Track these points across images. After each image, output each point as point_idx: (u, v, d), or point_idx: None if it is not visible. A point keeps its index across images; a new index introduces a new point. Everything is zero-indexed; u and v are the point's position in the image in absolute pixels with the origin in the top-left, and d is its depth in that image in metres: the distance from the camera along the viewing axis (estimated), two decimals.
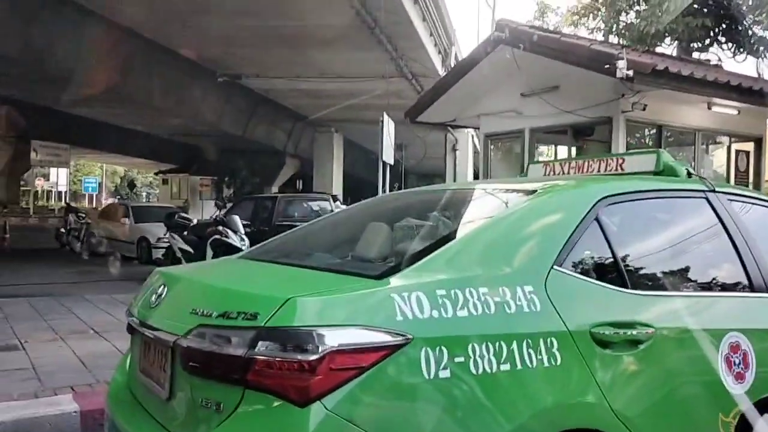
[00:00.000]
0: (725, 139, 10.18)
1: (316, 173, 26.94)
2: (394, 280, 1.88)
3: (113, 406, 2.44)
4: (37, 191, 45.95)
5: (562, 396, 1.92)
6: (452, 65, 15.92)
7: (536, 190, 2.40)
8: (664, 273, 2.48)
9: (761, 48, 12.80)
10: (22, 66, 14.74)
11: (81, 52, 14.36)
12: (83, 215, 18.27)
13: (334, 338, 1.68)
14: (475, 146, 20.42)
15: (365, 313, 1.76)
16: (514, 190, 2.60)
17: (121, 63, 15.81)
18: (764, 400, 2.32)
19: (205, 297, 2.08)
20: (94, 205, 34.25)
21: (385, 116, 11.24)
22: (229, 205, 18.54)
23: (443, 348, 1.76)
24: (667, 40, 12.94)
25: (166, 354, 2.02)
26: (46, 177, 50.53)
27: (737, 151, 10.12)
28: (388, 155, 11.40)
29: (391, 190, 12.28)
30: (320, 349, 1.66)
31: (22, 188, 38.91)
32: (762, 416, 2.29)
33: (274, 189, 27.87)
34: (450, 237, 2.19)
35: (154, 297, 2.26)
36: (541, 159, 8.79)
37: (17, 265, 13.64)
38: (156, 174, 40.98)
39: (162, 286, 2.27)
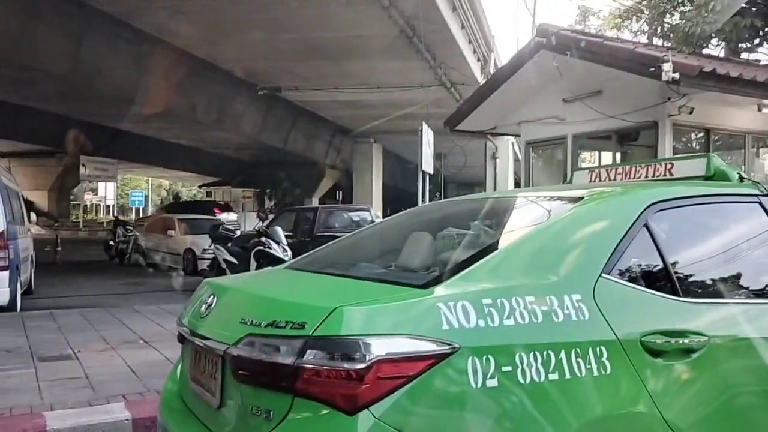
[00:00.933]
0: None
1: (355, 184, 27.11)
2: (440, 290, 1.88)
3: (165, 414, 2.49)
4: (86, 205, 47.43)
5: (612, 406, 1.89)
6: (491, 72, 15.84)
7: (582, 197, 2.37)
8: (717, 280, 2.41)
9: None
10: (71, 84, 15.24)
11: (128, 70, 14.80)
12: (131, 228, 18.76)
13: (381, 347, 1.69)
14: (515, 154, 20.23)
15: (411, 322, 1.77)
16: (559, 198, 2.57)
17: (174, 81, 16.22)
18: None
19: (253, 307, 2.11)
20: (141, 217, 35.05)
21: (424, 125, 11.27)
22: (270, 216, 18.77)
23: (490, 357, 1.75)
24: (714, 41, 12.63)
25: (217, 363, 2.06)
26: (95, 191, 52.08)
27: None
28: (428, 164, 11.41)
29: (431, 200, 12.28)
30: (367, 358, 1.67)
31: (71, 202, 40.21)
32: None
33: (315, 200, 28.15)
34: (495, 246, 2.18)
35: (204, 307, 2.31)
36: (584, 165, 8.67)
37: (69, 277, 14.06)
38: (200, 187, 41.83)
39: (211, 297, 2.31)
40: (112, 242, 18.63)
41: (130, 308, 8.75)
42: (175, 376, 2.62)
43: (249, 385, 1.88)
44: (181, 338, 2.46)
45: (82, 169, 31.04)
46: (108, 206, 52.65)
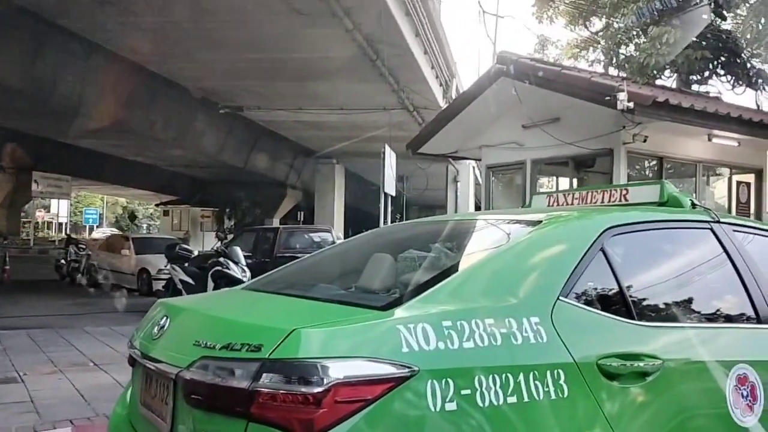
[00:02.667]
0: (726, 171, 10.21)
1: (317, 205, 27.00)
2: (400, 311, 1.87)
3: None
4: (37, 223, 46.05)
5: (569, 429, 1.89)
6: (453, 97, 16.07)
7: (541, 221, 2.39)
8: (671, 304, 2.46)
9: (760, 81, 12.91)
10: (25, 99, 14.87)
11: (84, 85, 14.52)
12: (83, 247, 18.27)
13: (339, 370, 1.66)
14: (476, 178, 20.50)
15: (370, 344, 1.74)
16: (518, 221, 2.60)
17: (124, 96, 15.97)
18: None
19: (208, 328, 2.06)
20: (94, 237, 34.23)
21: (387, 148, 11.33)
22: (230, 236, 18.55)
23: (449, 380, 1.73)
24: (667, 72, 13.06)
25: (168, 386, 2.00)
26: (47, 208, 50.70)
27: (738, 183, 10.14)
28: (390, 187, 11.46)
29: (392, 222, 12.31)
30: (325, 382, 1.63)
31: (22, 220, 38.97)
32: None
33: (276, 221, 27.93)
34: (455, 268, 2.18)
35: (156, 329, 2.24)
36: (542, 190, 8.82)
37: (17, 296, 13.58)
38: (157, 205, 41.12)
39: (164, 318, 2.25)
40: (63, 261, 18.10)
41: (80, 329, 8.50)
42: (125, 400, 2.53)
43: (202, 410, 1.82)
44: (132, 361, 2.38)
45: (34, 186, 30.17)
46: (61, 224, 51.23)
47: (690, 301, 2.55)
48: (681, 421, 2.12)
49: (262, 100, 18.22)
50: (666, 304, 2.44)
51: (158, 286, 12.59)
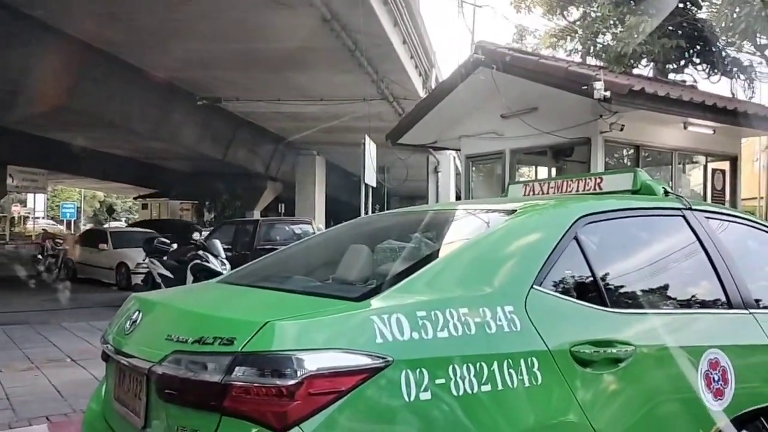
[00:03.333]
0: (701, 159, 10.33)
1: (298, 196, 26.86)
2: (374, 302, 1.87)
3: None
4: (13, 217, 45.34)
5: (543, 416, 1.91)
6: (433, 87, 16.06)
7: (515, 210, 2.40)
8: (643, 291, 2.49)
9: (735, 69, 13.07)
10: None
11: (58, 77, 14.27)
12: (60, 241, 18.04)
13: (312, 362, 1.65)
14: (456, 168, 20.53)
15: (344, 336, 1.74)
16: (493, 211, 2.61)
17: (100, 88, 15.73)
18: (742, 416, 2.32)
19: (180, 322, 2.04)
20: (72, 231, 33.80)
21: (367, 138, 11.31)
22: (205, 231, 18.40)
23: (424, 370, 1.74)
24: (644, 61, 13.17)
25: (141, 381, 1.98)
26: (23, 203, 49.93)
27: (713, 170, 10.27)
28: (370, 177, 11.44)
29: (373, 213, 12.30)
30: (299, 374, 1.63)
31: None
32: None
33: (256, 213, 27.74)
34: (430, 258, 2.19)
35: (128, 323, 2.22)
36: (521, 180, 8.85)
37: None
38: (135, 199, 40.65)
39: (137, 312, 2.23)
40: (40, 256, 17.86)
41: (57, 325, 8.40)
42: (99, 395, 2.51)
43: (175, 405, 1.81)
44: (105, 356, 2.36)
45: (9, 180, 29.65)
46: (37, 218, 50.50)
47: (662, 287, 2.58)
48: (653, 406, 2.15)
49: (240, 91, 18.05)
50: (638, 291, 2.47)
51: (137, 280, 12.48)
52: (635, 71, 12.48)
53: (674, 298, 2.59)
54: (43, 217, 49.81)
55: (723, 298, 2.56)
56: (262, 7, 11.92)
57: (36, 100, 14.97)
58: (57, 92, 14.72)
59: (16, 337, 7.31)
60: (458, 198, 19.03)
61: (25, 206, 50.52)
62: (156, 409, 1.91)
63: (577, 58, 13.10)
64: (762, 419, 2.35)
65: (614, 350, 2.08)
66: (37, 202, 47.22)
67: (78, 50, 14.08)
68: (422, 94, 16.83)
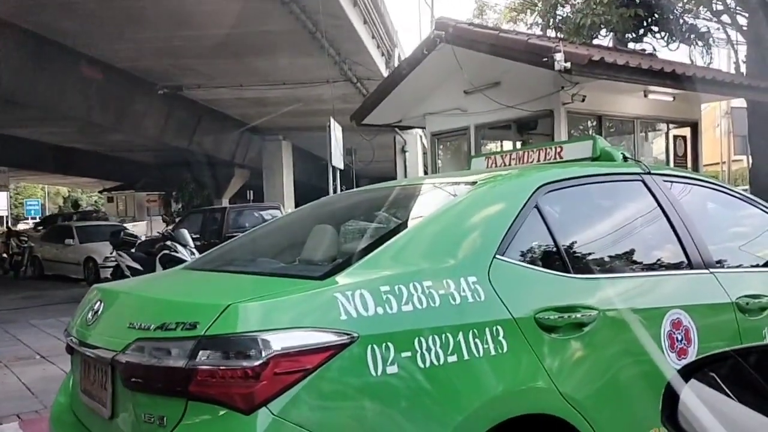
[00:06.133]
0: (663, 126, 10.48)
1: (266, 183, 26.64)
2: (338, 280, 1.87)
3: (56, 429, 2.36)
4: None
5: (511, 383, 1.94)
6: (396, 66, 16.00)
7: (477, 182, 2.41)
8: (605, 256, 2.52)
9: (692, 36, 13.25)
10: None
11: (15, 71, 13.87)
12: (25, 239, 17.68)
13: (277, 342, 1.65)
14: (424, 147, 20.55)
15: (309, 314, 1.74)
16: (455, 183, 2.62)
17: (58, 81, 15.33)
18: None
19: (142, 310, 2.02)
20: (35, 228, 33.10)
21: (332, 121, 11.24)
22: (177, 219, 18.19)
23: (389, 344, 1.75)
24: (603, 31, 13.28)
25: (106, 371, 1.96)
26: None
27: (675, 137, 10.43)
28: (338, 160, 11.40)
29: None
30: (263, 354, 1.63)
31: None
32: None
33: (225, 200, 27.47)
34: (394, 233, 2.18)
35: (91, 314, 2.19)
36: (483, 153, 8.90)
37: None
38: (101, 192, 39.92)
39: (98, 303, 2.20)
40: (5, 254, 17.49)
41: (25, 323, 8.27)
42: (67, 389, 2.48)
43: (140, 393, 1.80)
44: (70, 349, 2.33)
45: None
46: (0, 217, 49.30)
47: (624, 251, 2.62)
48: (619, 368, 2.19)
49: (201, 78, 17.74)
50: (600, 256, 2.50)
51: (106, 274, 12.29)
52: (595, 42, 12.58)
53: (636, 262, 2.63)
54: (6, 216, 48.60)
55: (684, 260, 2.60)
56: None
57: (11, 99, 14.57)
58: (10, 88, 14.31)
59: None
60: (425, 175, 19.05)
61: None
62: (122, 399, 1.90)
63: (537, 32, 13.15)
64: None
65: (578, 315, 2.11)
66: (0, 200, 46.04)
67: (29, 41, 13.69)
68: (386, 74, 16.74)
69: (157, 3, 12.21)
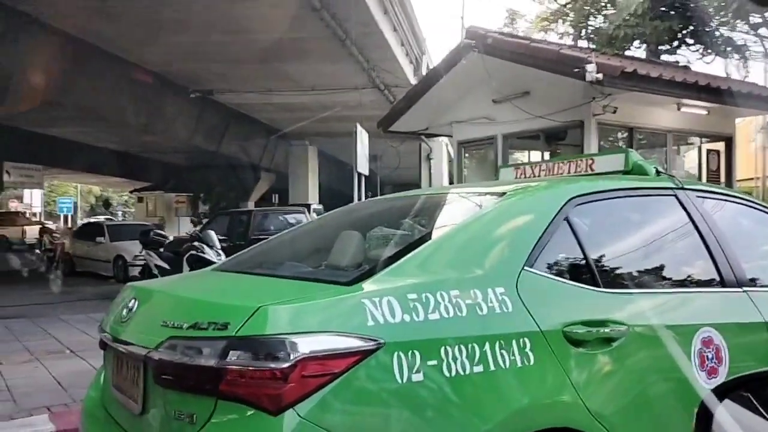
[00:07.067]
0: (696, 140, 10.33)
1: (291, 187, 26.83)
2: (365, 286, 1.89)
3: (87, 424, 2.41)
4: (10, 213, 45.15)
5: (536, 396, 1.93)
6: (424, 74, 16.02)
7: (506, 193, 2.41)
8: (635, 271, 2.49)
9: (728, 48, 13.06)
10: None
11: (52, 72, 14.19)
12: (58, 236, 18.05)
13: (305, 345, 1.67)
14: (449, 155, 20.52)
15: (336, 319, 1.76)
16: (484, 194, 2.62)
17: (93, 83, 15.65)
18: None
19: (175, 309, 2.06)
20: (69, 225, 33.70)
21: (358, 127, 11.28)
22: (205, 220, 18.41)
23: (416, 352, 1.76)
24: (636, 43, 13.16)
25: (138, 368, 2.00)
26: (20, 199, 49.74)
27: (708, 151, 10.27)
28: (363, 166, 11.42)
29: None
30: (292, 357, 1.65)
31: None
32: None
33: (251, 204, 27.71)
34: (420, 241, 2.19)
35: (125, 311, 2.23)
36: (512, 163, 8.85)
37: None
38: (131, 192, 40.56)
39: (133, 300, 2.24)
40: (38, 250, 17.87)
41: (56, 318, 8.43)
42: (98, 383, 2.53)
43: (171, 390, 1.83)
44: (103, 345, 2.38)
45: (5, 176, 29.53)
46: (35, 214, 50.34)
47: (655, 267, 2.59)
48: (647, 385, 2.16)
49: (232, 83, 17.98)
50: (631, 271, 2.47)
51: (134, 272, 12.49)
52: (627, 53, 12.47)
53: (667, 278, 2.59)
54: (40, 213, 49.62)
55: (716, 277, 2.56)
56: None
57: (28, 95, 14.88)
58: (49, 87, 14.64)
59: (16, 330, 7.34)
60: (451, 184, 19.01)
61: (22, 202, 50.32)
62: (153, 395, 1.93)
63: (569, 42, 13.08)
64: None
65: (607, 330, 2.09)
66: (34, 197, 47.07)
67: (69, 45, 14.01)
68: (413, 81, 16.78)
69: (192, 9, 12.43)
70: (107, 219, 18.40)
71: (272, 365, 1.65)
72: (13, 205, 48.39)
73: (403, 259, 2.01)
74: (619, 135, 9.96)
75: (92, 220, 19.75)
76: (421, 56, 18.67)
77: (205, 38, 14.06)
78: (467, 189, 2.93)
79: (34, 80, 13.97)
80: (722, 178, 10.16)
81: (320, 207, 17.92)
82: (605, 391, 2.05)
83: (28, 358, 5.88)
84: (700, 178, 9.99)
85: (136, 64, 16.39)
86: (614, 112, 8.25)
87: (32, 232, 27.05)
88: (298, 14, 12.46)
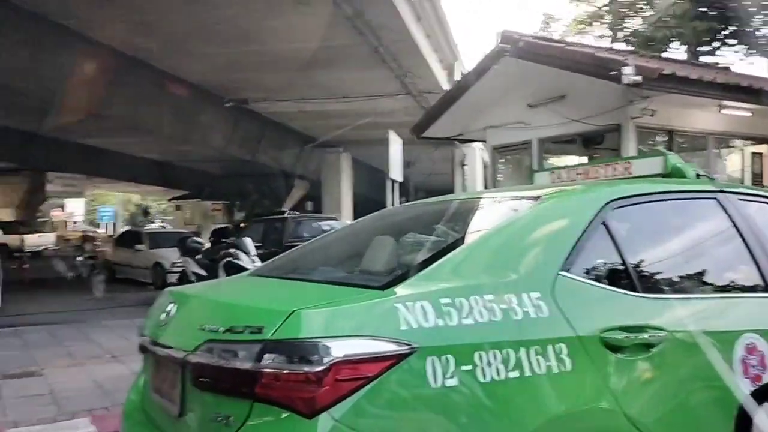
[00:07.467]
0: (739, 142, 10.08)
1: (325, 194, 27.02)
2: (398, 290, 1.88)
3: (127, 426, 2.46)
4: (53, 222, 46.44)
5: (574, 402, 1.90)
6: (457, 80, 15.98)
7: (541, 197, 2.39)
8: (675, 276, 2.45)
9: None
10: (32, 100, 14.93)
11: (91, 84, 14.56)
12: (99, 243, 18.48)
13: (339, 349, 1.68)
14: (483, 160, 20.42)
15: (369, 323, 1.76)
16: (518, 198, 2.59)
17: (132, 94, 16.03)
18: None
19: (212, 313, 2.09)
20: (110, 233, 34.56)
21: (392, 133, 11.29)
22: (242, 225, 18.65)
23: (449, 356, 1.75)
24: (675, 44, 12.92)
25: (177, 371, 2.03)
26: (63, 207, 51.12)
27: (752, 154, 10.01)
28: (396, 172, 11.43)
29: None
30: (325, 360, 1.66)
31: (39, 219, 39.38)
32: None
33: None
34: (454, 246, 2.18)
35: (163, 315, 2.28)
36: (547, 167, 8.74)
37: (36, 293, 13.79)
38: (169, 200, 41.37)
39: (171, 305, 2.28)
40: (80, 258, 18.32)
41: (97, 323, 8.62)
42: (138, 387, 2.58)
43: (208, 392, 1.86)
44: (143, 348, 2.42)
45: (48, 186, 30.47)
46: (76, 222, 51.66)
47: (695, 271, 2.53)
48: (689, 392, 2.12)
49: (266, 91, 18.21)
50: (670, 275, 2.43)
51: (172, 279, 12.71)
52: (666, 55, 12.25)
53: (708, 283, 2.53)
54: (80, 222, 50.91)
55: (760, 282, 2.49)
56: (286, 8, 12.01)
57: (71, 107, 15.32)
58: (90, 99, 15.05)
59: (59, 336, 7.53)
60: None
61: (64, 211, 51.71)
62: (191, 398, 1.96)
63: (605, 44, 12.91)
64: None
65: (646, 336, 2.05)
66: (76, 206, 48.36)
67: (110, 57, 14.36)
68: (446, 87, 16.76)
69: (228, 20, 12.64)
70: (160, 226, 18.82)
71: (306, 368, 1.66)
72: (56, 214, 49.77)
73: (436, 264, 2.01)
74: (658, 138, 9.77)
75: (147, 228, 20.25)
76: (455, 62, 18.65)
77: (241, 49, 14.29)
78: (501, 193, 2.90)
79: (78, 93, 14.36)
80: (765, 182, 9.89)
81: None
82: (644, 399, 2.01)
83: (71, 362, 6.02)
84: (743, 181, 9.75)
85: (173, 75, 16.74)
86: (652, 115, 8.11)
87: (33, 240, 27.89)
88: (331, 23, 12.56)
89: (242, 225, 20.57)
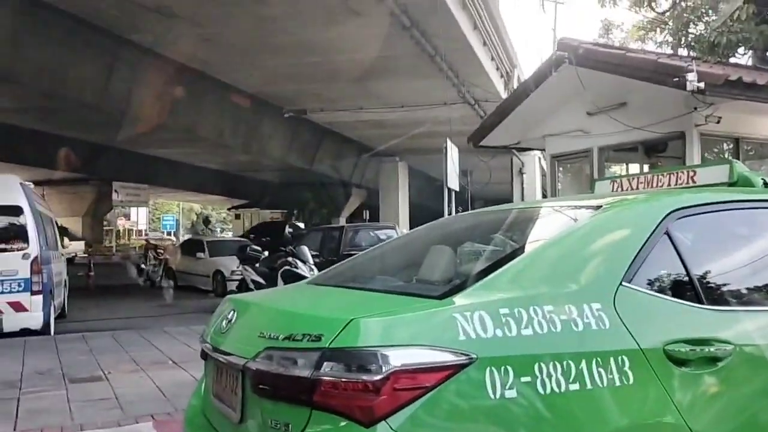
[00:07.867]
0: None
1: (382, 203, 27.15)
2: (457, 300, 1.88)
3: (189, 431, 2.51)
4: (119, 230, 48.24)
5: (637, 416, 1.86)
6: (515, 88, 15.83)
7: (602, 206, 2.34)
8: (742, 288, 2.36)
9: None
10: (101, 113, 15.56)
11: (157, 97, 15.10)
12: (162, 251, 19.05)
13: (397, 358, 1.68)
14: (542, 169, 20.11)
15: (428, 332, 1.76)
16: (578, 207, 2.55)
17: (195, 106, 16.54)
18: None
19: (271, 321, 2.13)
20: (173, 241, 35.68)
21: (449, 142, 11.28)
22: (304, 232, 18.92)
23: (508, 367, 1.73)
24: (741, 50, 12.43)
25: (237, 377, 2.07)
26: (127, 216, 53.04)
27: None
28: (453, 181, 11.40)
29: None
30: (384, 369, 1.66)
31: (105, 228, 40.97)
32: None
33: (342, 220, 28.27)
34: (513, 256, 2.16)
35: (224, 323, 2.33)
36: (608, 176, 8.54)
37: (101, 300, 14.32)
38: (229, 209, 42.37)
39: (232, 312, 2.33)
40: (143, 265, 18.93)
41: (159, 330, 8.85)
42: (199, 392, 2.64)
43: (268, 399, 1.88)
44: (204, 354, 2.48)
45: (114, 195, 31.65)
46: (140, 231, 53.51)
47: (763, 283, 2.43)
48: (758, 409, 2.05)
49: (324, 102, 18.48)
50: (736, 287, 2.34)
51: (232, 286, 12.99)
52: (732, 61, 11.81)
53: None
54: (146, 230, 52.66)
55: None
56: (343, 20, 12.18)
57: (139, 119, 15.93)
58: (157, 111, 15.61)
59: (123, 342, 7.77)
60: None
61: (129, 219, 53.67)
62: (251, 404, 1.99)
63: (668, 51, 12.54)
64: None
65: (712, 349, 1.99)
66: (140, 215, 50.11)
67: (175, 71, 14.88)
68: (504, 95, 16.64)
69: (288, 33, 12.91)
70: (241, 237, 19.29)
71: (365, 377, 1.67)
72: (121, 223, 51.66)
73: (494, 274, 1.99)
74: (724, 146, 9.42)
75: (220, 237, 20.56)
76: (512, 69, 18.50)
77: (300, 60, 14.56)
78: (561, 202, 2.86)
79: (146, 107, 14.93)
80: None
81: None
82: (711, 414, 1.95)
83: (134, 368, 6.20)
84: None
85: (234, 86, 17.19)
86: (718, 122, 7.83)
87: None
88: (388, 33, 12.67)
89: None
